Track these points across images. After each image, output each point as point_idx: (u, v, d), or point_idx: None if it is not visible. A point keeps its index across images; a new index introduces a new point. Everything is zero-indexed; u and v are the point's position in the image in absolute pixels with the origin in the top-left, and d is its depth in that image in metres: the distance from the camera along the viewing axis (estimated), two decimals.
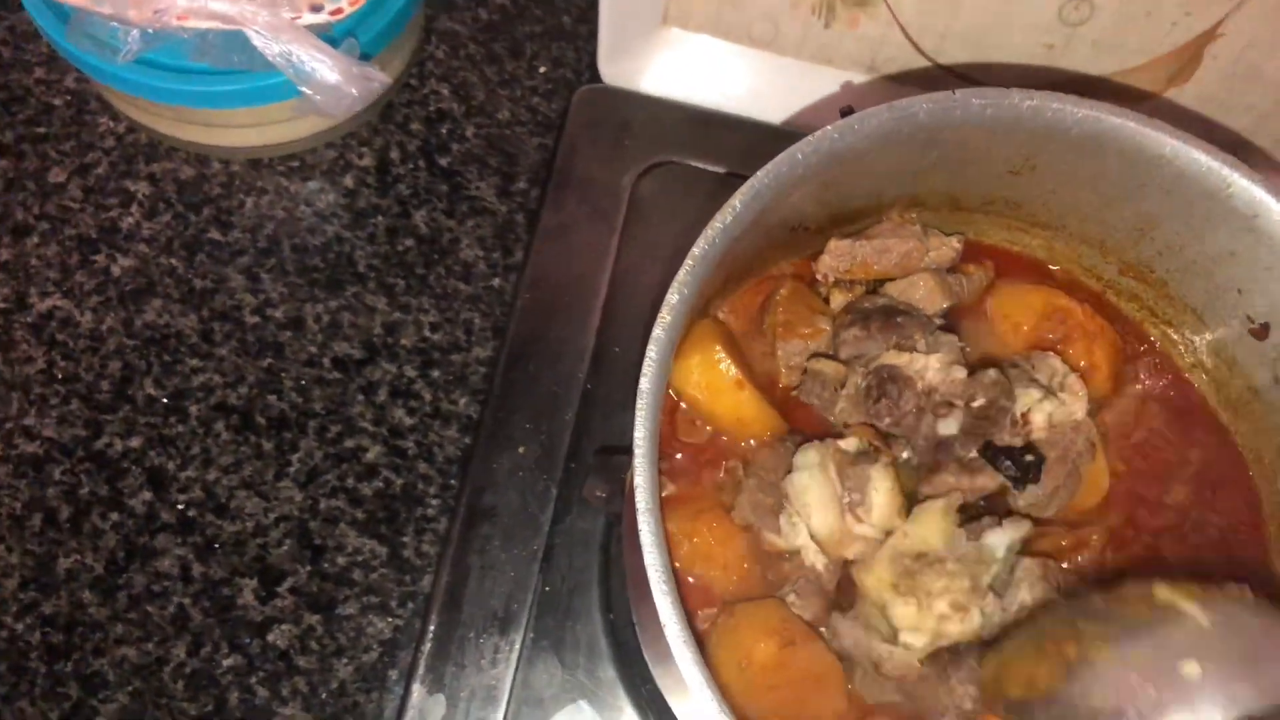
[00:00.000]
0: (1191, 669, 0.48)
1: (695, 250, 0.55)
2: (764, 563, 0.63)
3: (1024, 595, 0.60)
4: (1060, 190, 0.69)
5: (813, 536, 0.61)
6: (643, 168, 0.88)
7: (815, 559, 0.61)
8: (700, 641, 0.60)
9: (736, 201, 0.56)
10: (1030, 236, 0.73)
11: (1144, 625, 0.51)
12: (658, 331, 0.53)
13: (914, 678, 0.60)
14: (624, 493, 0.72)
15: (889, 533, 0.61)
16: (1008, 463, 0.63)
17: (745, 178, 0.57)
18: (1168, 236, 0.68)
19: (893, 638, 0.60)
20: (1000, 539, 0.60)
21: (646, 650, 0.66)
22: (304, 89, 0.70)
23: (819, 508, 0.61)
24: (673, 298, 0.54)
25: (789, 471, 0.62)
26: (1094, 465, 0.66)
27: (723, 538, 0.63)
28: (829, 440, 0.62)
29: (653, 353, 0.53)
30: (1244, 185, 0.62)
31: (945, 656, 0.60)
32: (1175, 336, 0.72)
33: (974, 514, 0.63)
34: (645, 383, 0.53)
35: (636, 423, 0.52)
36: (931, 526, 0.60)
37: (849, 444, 0.62)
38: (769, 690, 0.59)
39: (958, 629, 0.58)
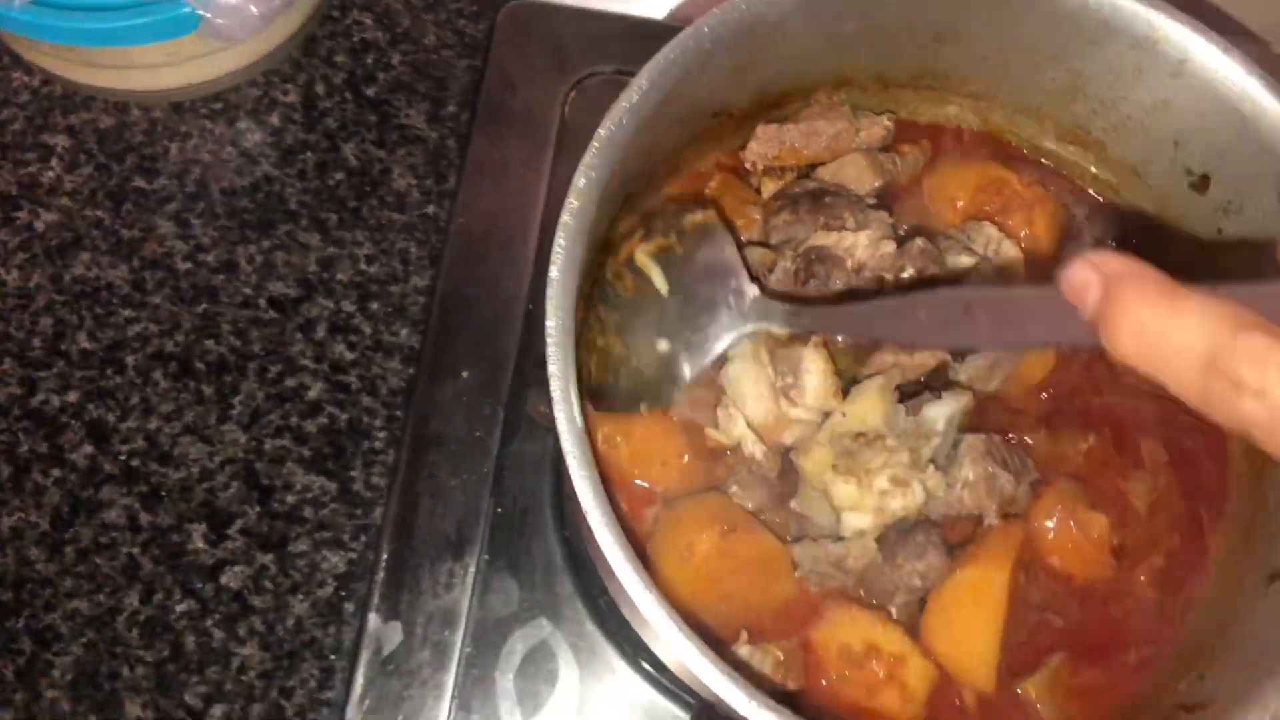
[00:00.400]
0: None
1: (601, 131, 0.53)
2: (707, 459, 0.62)
3: (967, 472, 0.59)
4: (988, 56, 0.67)
5: (749, 425, 0.60)
6: (573, 82, 0.86)
7: (754, 448, 0.60)
8: (642, 541, 0.60)
9: (643, 79, 0.54)
10: (964, 110, 0.71)
11: None
12: (565, 218, 0.52)
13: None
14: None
15: (826, 414, 0.59)
16: None
17: None
18: (1100, 93, 0.66)
19: (835, 523, 0.59)
20: (940, 411, 0.59)
21: (595, 557, 0.65)
22: (203, 11, 0.68)
23: (754, 395, 0.59)
24: (579, 181, 0.52)
25: (724, 364, 0.61)
26: None
27: (661, 435, 0.61)
28: (759, 328, 0.61)
29: (561, 240, 0.51)
30: (1170, 28, 0.60)
31: (892, 537, 0.59)
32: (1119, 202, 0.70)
33: (914, 391, 0.62)
34: (555, 271, 0.51)
35: (548, 311, 0.50)
36: (869, 404, 0.59)
37: (780, 329, 0.60)
38: (715, 582, 0.58)
39: (900, 504, 0.57)
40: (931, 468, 0.58)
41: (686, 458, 0.61)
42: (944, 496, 0.59)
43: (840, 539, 0.59)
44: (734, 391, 0.60)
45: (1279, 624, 0.54)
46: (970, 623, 0.58)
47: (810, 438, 0.59)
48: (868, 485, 0.57)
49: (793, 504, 0.59)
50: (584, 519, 0.50)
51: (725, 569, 0.58)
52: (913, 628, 0.59)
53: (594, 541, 0.49)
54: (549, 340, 0.50)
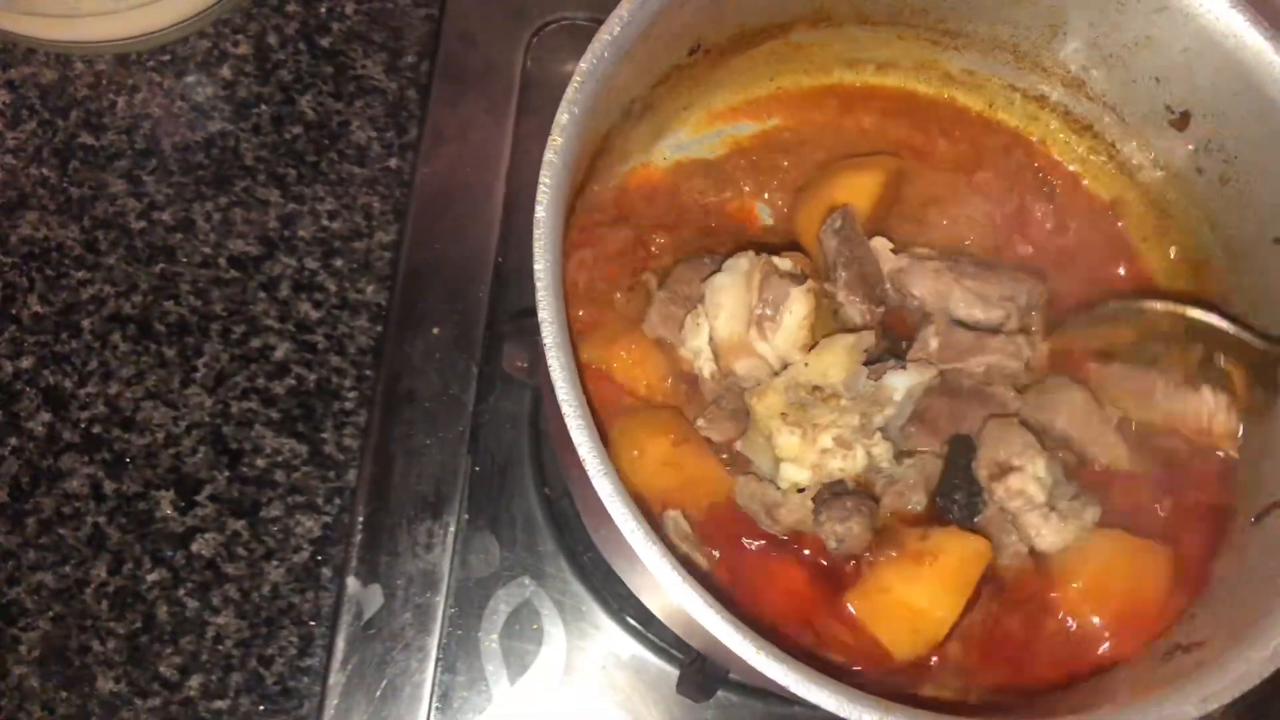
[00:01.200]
0: None
1: (582, 65, 0.51)
2: (689, 383, 0.61)
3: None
4: None
5: (711, 339, 0.59)
6: (535, 28, 0.84)
7: (705, 364, 0.59)
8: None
9: (624, 10, 0.52)
10: (943, 52, 0.70)
11: None
12: (549, 155, 0.50)
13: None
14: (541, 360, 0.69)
15: (786, 365, 0.59)
16: None
17: None
18: (1080, 29, 0.65)
19: (774, 471, 0.58)
20: (901, 381, 0.58)
21: (581, 513, 0.64)
22: None
23: (729, 312, 0.58)
24: (562, 117, 0.50)
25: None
26: None
27: (640, 358, 0.60)
28: (765, 253, 0.60)
29: (546, 178, 0.50)
30: None
31: (825, 494, 0.58)
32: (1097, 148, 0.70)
33: (880, 359, 0.61)
34: (541, 210, 0.49)
35: (535, 253, 0.49)
36: (834, 359, 0.58)
37: (783, 261, 0.59)
38: (659, 477, 0.58)
39: (839, 465, 0.56)
40: (879, 436, 0.57)
41: (669, 380, 0.60)
42: (888, 471, 0.58)
43: (778, 488, 0.58)
44: (711, 300, 0.59)
45: (1270, 560, 0.54)
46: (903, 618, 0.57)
47: (766, 380, 0.58)
48: (811, 440, 0.56)
49: (738, 444, 0.59)
50: (576, 475, 0.49)
51: (670, 474, 0.57)
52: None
53: (590, 492, 0.48)
54: (538, 283, 0.49)
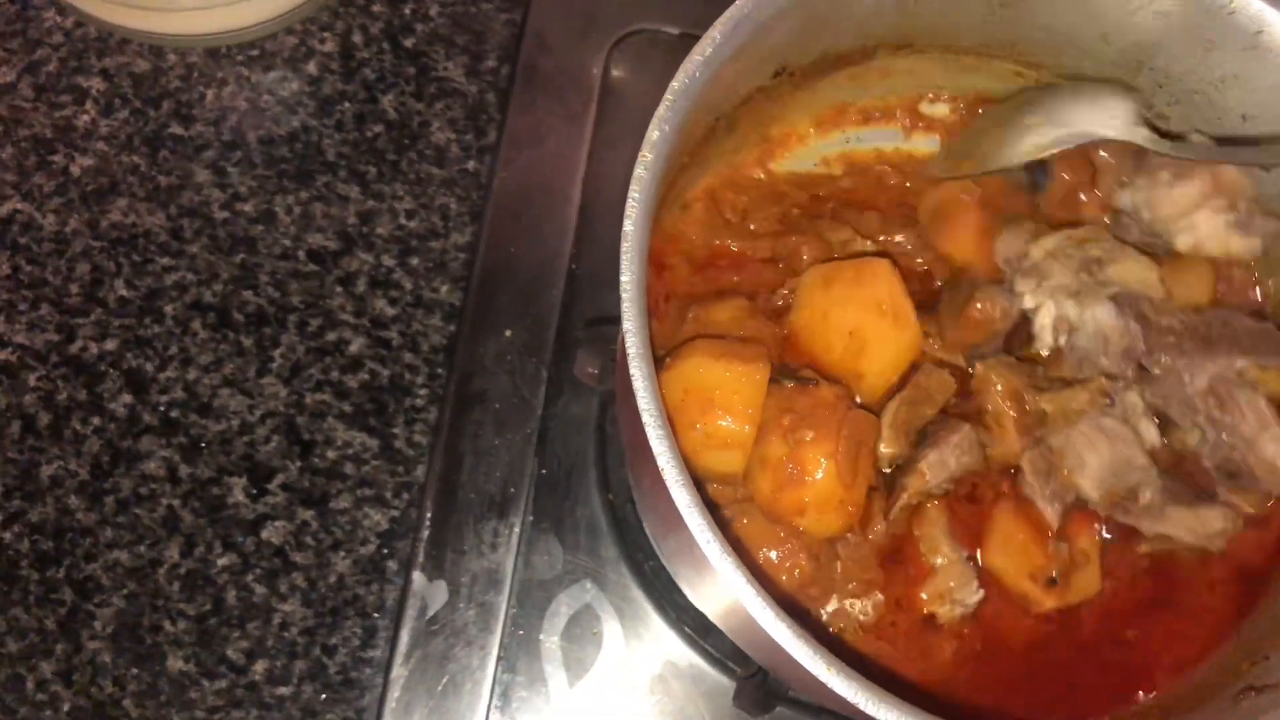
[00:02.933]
0: None
1: (674, 84, 0.52)
2: None
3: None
4: (1052, 24, 0.66)
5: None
6: (616, 37, 0.85)
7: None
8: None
9: (716, 32, 0.53)
10: (1026, 81, 0.70)
11: None
12: (639, 171, 0.51)
13: None
14: (615, 367, 0.70)
15: None
16: None
17: None
18: (1166, 65, 0.65)
19: None
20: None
21: (647, 522, 0.65)
22: None
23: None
24: (653, 134, 0.51)
25: None
26: None
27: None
28: None
29: (635, 193, 0.50)
30: (1246, 1, 0.59)
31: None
32: None
33: None
34: (629, 225, 0.50)
35: (623, 266, 0.49)
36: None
37: None
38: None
39: None
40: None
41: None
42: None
43: None
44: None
45: None
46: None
47: None
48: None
49: None
50: (649, 486, 0.50)
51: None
52: None
53: (664, 502, 0.49)
54: (624, 295, 0.49)
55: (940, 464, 0.58)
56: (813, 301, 0.60)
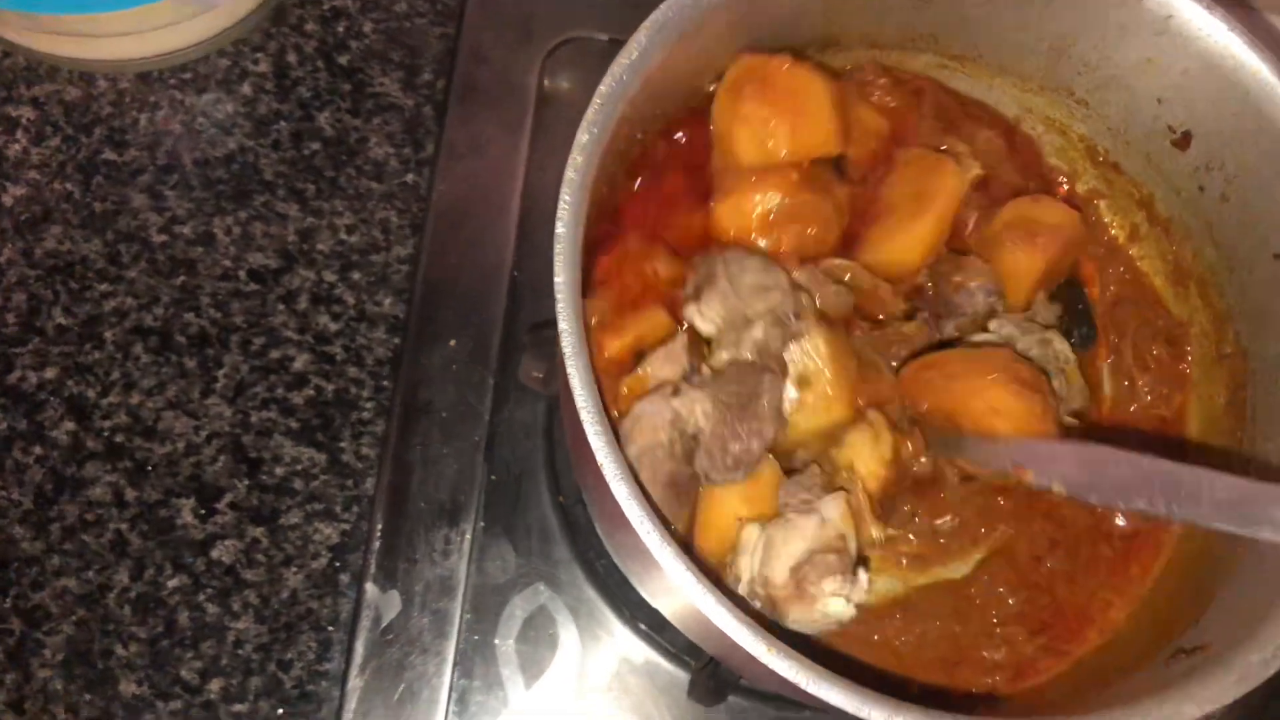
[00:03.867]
0: None
1: (602, 88, 0.53)
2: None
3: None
4: (973, 17, 0.68)
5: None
6: (550, 47, 0.86)
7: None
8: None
9: (641, 36, 0.54)
10: (951, 75, 0.72)
11: None
12: (570, 174, 0.52)
13: None
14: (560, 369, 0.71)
15: None
16: None
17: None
18: (1084, 53, 0.67)
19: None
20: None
21: (595, 519, 0.66)
22: None
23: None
24: (582, 137, 0.52)
25: None
26: None
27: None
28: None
29: (566, 195, 0.51)
30: None
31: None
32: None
33: None
34: (561, 227, 0.51)
35: (556, 267, 0.50)
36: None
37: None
38: None
39: None
40: None
41: None
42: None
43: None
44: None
45: (1271, 568, 0.55)
46: None
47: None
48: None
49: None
50: (593, 482, 0.51)
51: None
52: None
53: (607, 497, 0.49)
54: (558, 296, 0.50)
55: None
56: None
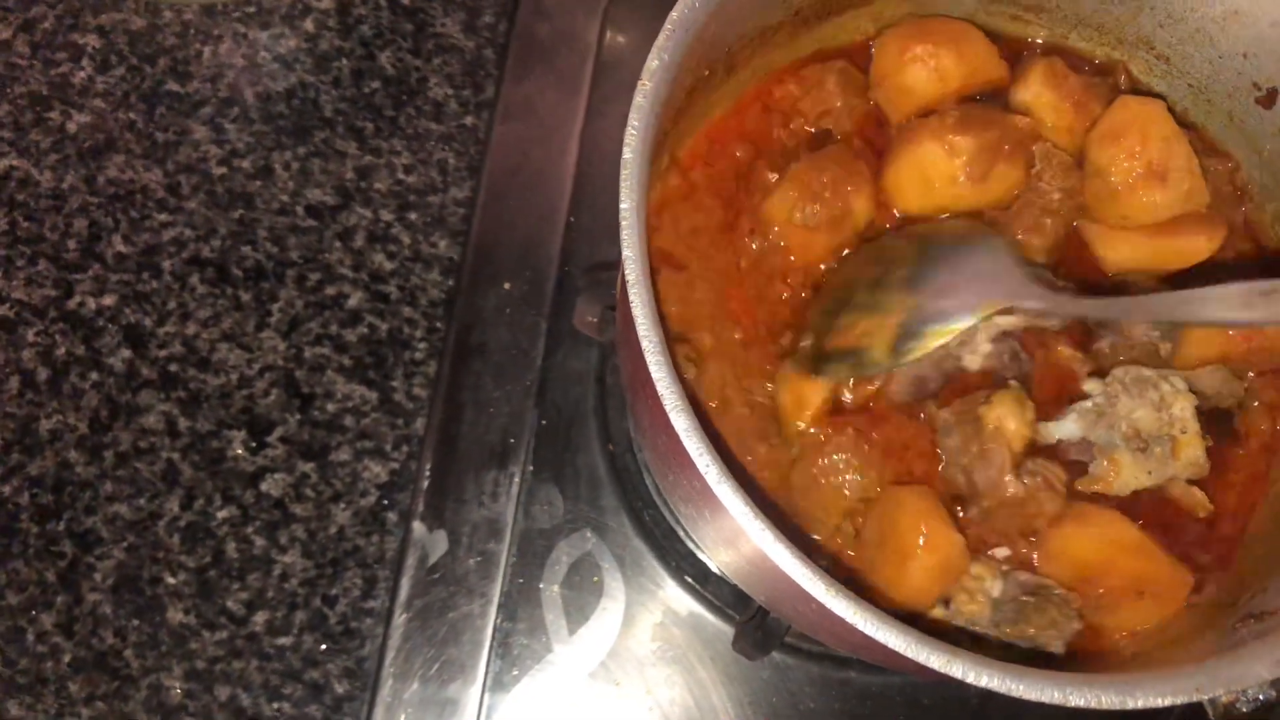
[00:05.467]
0: None
1: (674, 14, 0.52)
2: None
3: None
4: None
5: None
6: None
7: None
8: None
9: None
10: (1025, 26, 0.70)
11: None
12: (639, 99, 0.50)
13: None
14: (614, 315, 0.70)
15: None
16: None
17: None
18: (1169, 5, 0.65)
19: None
20: None
21: (649, 459, 0.65)
22: None
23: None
24: (653, 63, 0.51)
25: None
26: None
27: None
28: None
29: (635, 121, 0.50)
30: None
31: None
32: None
33: None
34: (629, 152, 0.50)
35: (622, 194, 0.49)
36: None
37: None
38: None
39: None
40: None
41: None
42: None
43: None
44: None
45: None
46: None
47: None
48: None
49: None
50: (649, 420, 0.50)
51: None
52: None
53: (665, 435, 0.48)
54: (623, 222, 0.49)
55: None
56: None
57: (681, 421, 0.47)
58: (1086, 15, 0.68)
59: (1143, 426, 0.58)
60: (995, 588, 0.55)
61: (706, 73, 0.62)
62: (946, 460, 0.59)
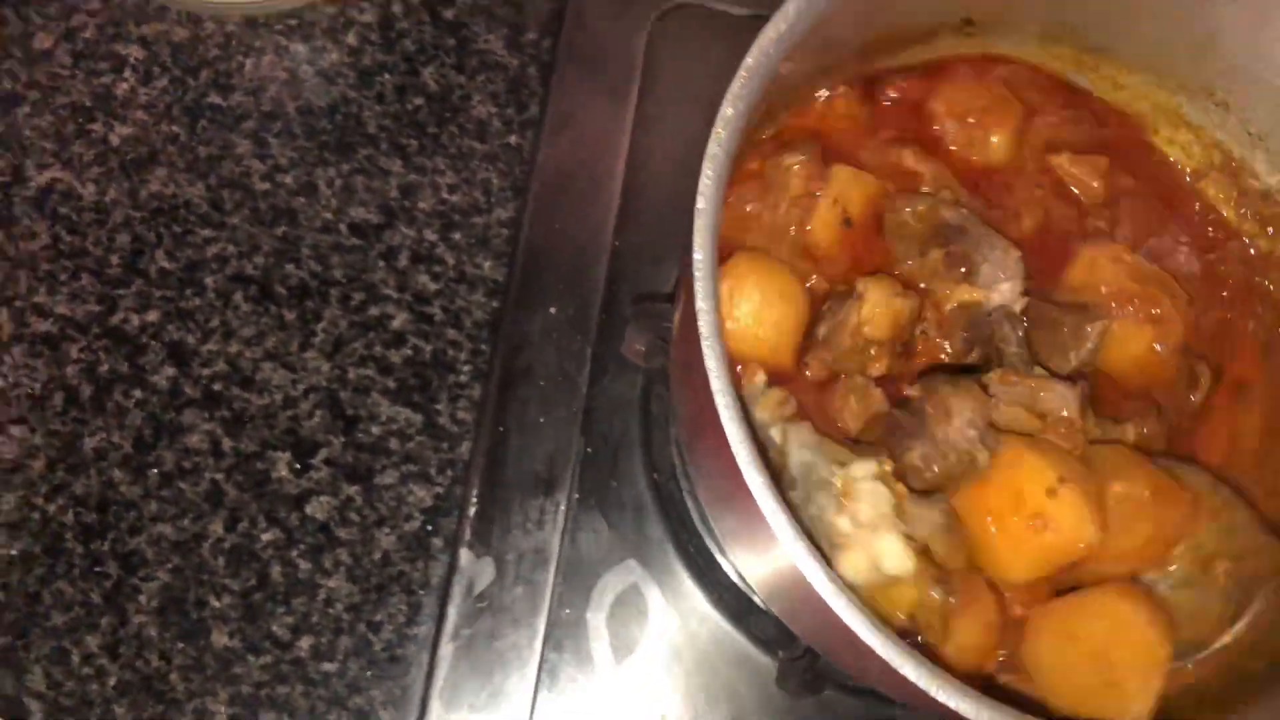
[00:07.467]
0: None
1: (748, 60, 0.51)
2: None
3: None
4: (1115, 9, 0.65)
5: None
6: (659, 13, 0.83)
7: None
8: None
9: (790, 9, 0.52)
10: (1085, 69, 0.69)
11: None
12: (713, 149, 0.50)
13: None
14: (663, 344, 0.70)
15: None
16: None
17: (768, 17, 0.53)
18: (1232, 52, 0.64)
19: None
20: None
21: (700, 492, 0.65)
22: None
23: None
24: (727, 110, 0.50)
25: None
26: None
27: None
28: None
29: (709, 171, 0.50)
30: None
31: None
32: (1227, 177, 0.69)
33: None
34: (702, 202, 0.49)
35: (695, 244, 0.49)
36: None
37: None
38: None
39: None
40: None
41: None
42: None
43: None
44: None
45: None
46: None
47: None
48: None
49: None
50: (713, 458, 0.49)
51: None
52: None
53: (730, 483, 0.48)
54: (696, 274, 0.49)
55: None
56: None
57: (756, 479, 0.46)
58: (1145, 58, 0.67)
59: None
60: None
61: (769, 107, 0.62)
62: None
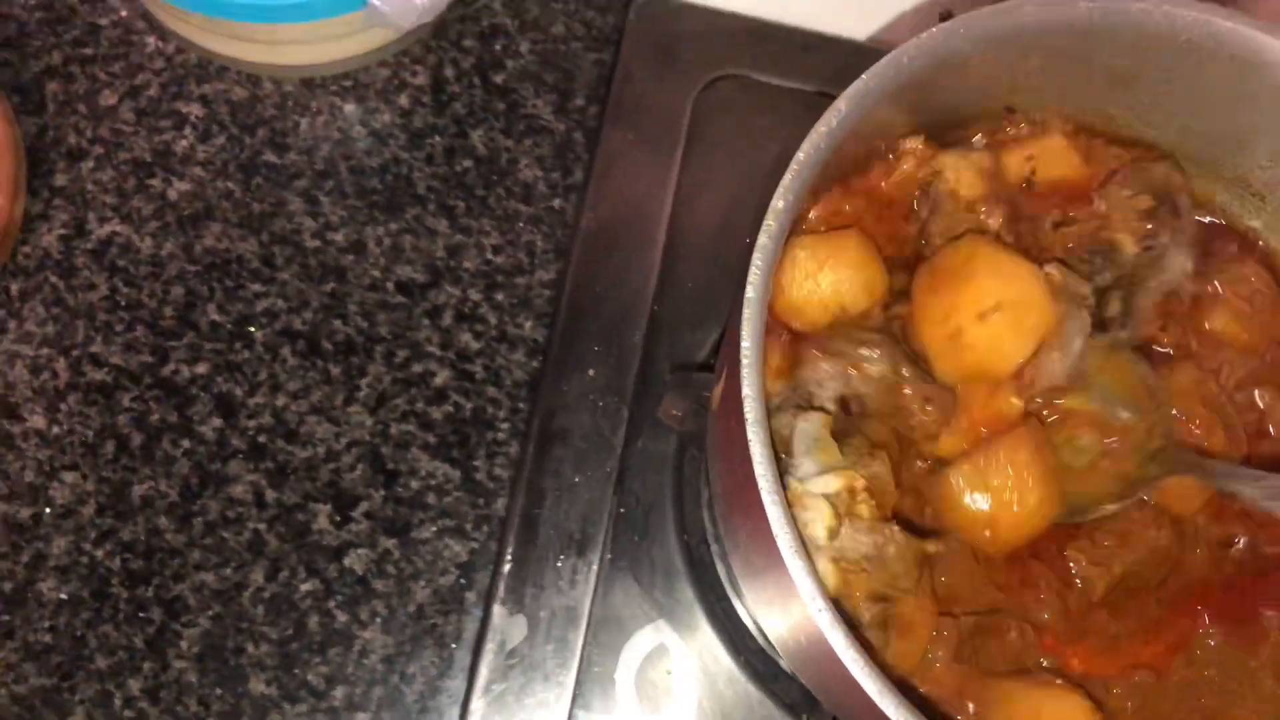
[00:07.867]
0: None
1: (800, 155, 0.53)
2: None
3: None
4: (1159, 102, 0.67)
5: None
6: (704, 83, 0.86)
7: None
8: None
9: (842, 105, 0.54)
10: (1121, 148, 0.71)
11: None
12: (763, 240, 0.52)
13: None
14: (701, 411, 0.71)
15: None
16: None
17: (811, 91, 0.55)
18: (1272, 146, 0.66)
19: None
20: None
21: (734, 562, 0.66)
22: None
23: None
24: (778, 203, 0.52)
25: None
26: None
27: None
28: None
29: (759, 261, 0.51)
30: None
31: None
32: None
33: None
34: (751, 291, 0.51)
35: (744, 333, 0.51)
36: None
37: None
38: None
39: None
40: None
41: None
42: None
43: None
44: None
45: None
46: None
47: None
48: None
49: None
50: (754, 536, 0.51)
51: None
52: None
53: (770, 569, 0.50)
54: (744, 360, 0.50)
55: None
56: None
57: (798, 564, 0.48)
58: (1184, 147, 0.69)
59: None
60: None
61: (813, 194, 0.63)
62: None
